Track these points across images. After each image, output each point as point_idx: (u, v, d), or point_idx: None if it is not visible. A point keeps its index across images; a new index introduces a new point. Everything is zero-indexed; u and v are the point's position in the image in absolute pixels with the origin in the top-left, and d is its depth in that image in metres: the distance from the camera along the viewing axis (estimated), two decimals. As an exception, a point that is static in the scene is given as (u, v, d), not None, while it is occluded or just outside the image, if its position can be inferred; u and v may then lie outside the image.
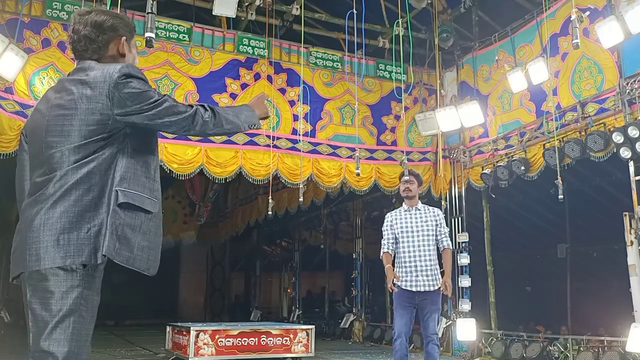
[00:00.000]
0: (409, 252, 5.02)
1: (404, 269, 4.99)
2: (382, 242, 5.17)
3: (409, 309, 4.93)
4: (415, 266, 4.96)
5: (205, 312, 19.41)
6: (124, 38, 2.17)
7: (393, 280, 4.94)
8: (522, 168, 8.83)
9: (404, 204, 5.26)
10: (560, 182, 7.99)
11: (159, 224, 2.10)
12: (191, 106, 2.04)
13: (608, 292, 10.23)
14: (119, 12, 7.61)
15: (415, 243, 5.03)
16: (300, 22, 9.47)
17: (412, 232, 5.07)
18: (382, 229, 5.23)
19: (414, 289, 4.93)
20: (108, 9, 7.44)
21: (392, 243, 5.11)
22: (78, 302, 1.86)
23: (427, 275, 4.97)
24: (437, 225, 5.14)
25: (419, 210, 5.19)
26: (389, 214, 5.29)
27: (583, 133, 8.01)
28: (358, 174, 8.89)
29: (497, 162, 9.44)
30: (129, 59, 2.19)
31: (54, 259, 1.84)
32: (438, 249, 5.15)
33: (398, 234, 5.09)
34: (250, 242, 19.10)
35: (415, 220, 5.12)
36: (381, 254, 5.12)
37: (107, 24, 2.12)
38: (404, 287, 4.93)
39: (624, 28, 6.86)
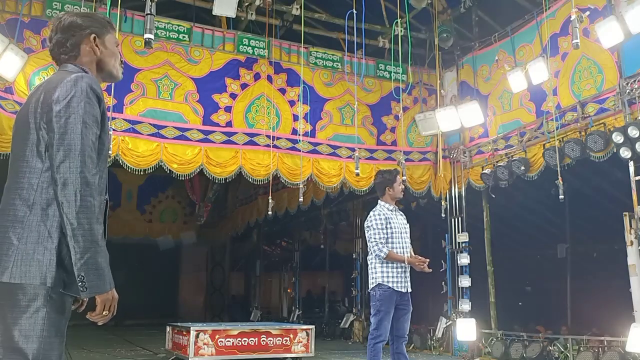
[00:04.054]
0: (400, 252, 4.97)
1: (396, 270, 4.91)
2: (379, 239, 4.92)
3: (393, 311, 4.90)
4: (405, 267, 4.96)
5: (205, 312, 19.40)
6: (93, 36, 2.14)
7: (385, 281, 4.88)
8: (522, 168, 8.82)
9: (386, 203, 5.13)
10: (560, 182, 7.99)
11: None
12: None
13: (608, 292, 10.20)
14: (118, 12, 7.63)
15: (403, 243, 5.02)
16: (300, 22, 9.47)
17: (401, 232, 5.05)
18: (374, 225, 4.99)
19: (403, 290, 4.92)
20: (108, 9, 7.49)
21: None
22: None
23: (408, 276, 5.03)
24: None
25: (398, 211, 5.22)
26: (378, 212, 5.07)
27: (583, 133, 8.01)
28: (357, 174, 8.90)
29: (497, 162, 9.44)
30: (105, 56, 2.18)
31: None
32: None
33: (390, 233, 4.97)
34: (250, 242, 19.09)
35: (399, 221, 5.11)
36: (384, 252, 4.87)
37: (75, 25, 2.12)
38: (395, 289, 4.87)
39: (624, 28, 6.86)
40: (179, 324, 8.91)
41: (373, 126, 10.16)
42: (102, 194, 1.98)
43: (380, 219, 5.02)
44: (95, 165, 1.91)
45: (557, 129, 8.24)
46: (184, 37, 9.03)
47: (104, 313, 1.91)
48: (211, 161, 8.88)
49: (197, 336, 7.86)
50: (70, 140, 1.87)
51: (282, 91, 9.58)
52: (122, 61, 2.32)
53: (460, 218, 10.24)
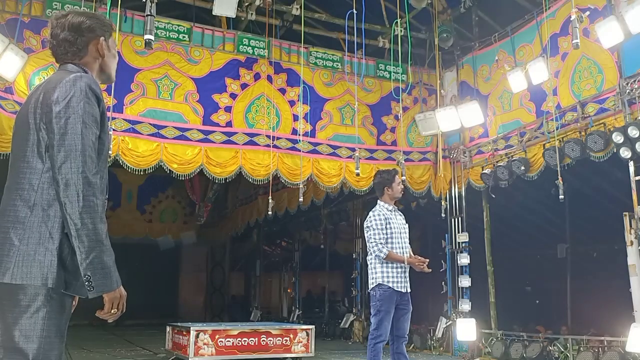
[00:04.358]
0: (400, 252, 4.97)
1: (396, 270, 4.91)
2: (378, 240, 4.91)
3: (393, 311, 4.91)
4: (404, 268, 4.96)
5: (205, 312, 19.40)
6: (102, 39, 2.17)
7: (385, 281, 4.89)
8: (522, 168, 8.82)
9: (386, 203, 5.13)
10: (560, 182, 7.99)
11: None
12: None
13: (608, 292, 10.20)
14: (118, 12, 7.63)
15: (403, 243, 5.03)
16: (300, 22, 9.47)
17: (400, 232, 5.05)
18: (374, 225, 4.99)
19: (403, 290, 4.93)
20: (108, 9, 7.49)
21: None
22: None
23: (408, 276, 5.03)
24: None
25: (397, 211, 5.22)
26: (378, 212, 5.07)
27: (583, 133, 8.01)
28: (358, 174, 8.90)
29: (497, 162, 9.44)
30: (109, 58, 2.21)
31: None
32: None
33: (390, 234, 4.97)
34: (250, 242, 19.09)
35: (398, 221, 5.11)
36: (384, 253, 4.87)
37: (85, 25, 2.13)
38: (395, 289, 4.87)
39: (624, 28, 6.86)
40: (179, 324, 8.91)
41: (373, 126, 10.16)
42: (102, 194, 1.98)
43: (380, 220, 5.02)
44: (95, 165, 1.91)
45: (557, 129, 8.24)
46: (184, 37, 9.03)
47: (112, 311, 1.91)
48: (211, 161, 8.88)
49: (197, 336, 7.86)
50: (71, 141, 1.87)
51: (282, 91, 9.58)
52: None
53: (460, 218, 10.24)
